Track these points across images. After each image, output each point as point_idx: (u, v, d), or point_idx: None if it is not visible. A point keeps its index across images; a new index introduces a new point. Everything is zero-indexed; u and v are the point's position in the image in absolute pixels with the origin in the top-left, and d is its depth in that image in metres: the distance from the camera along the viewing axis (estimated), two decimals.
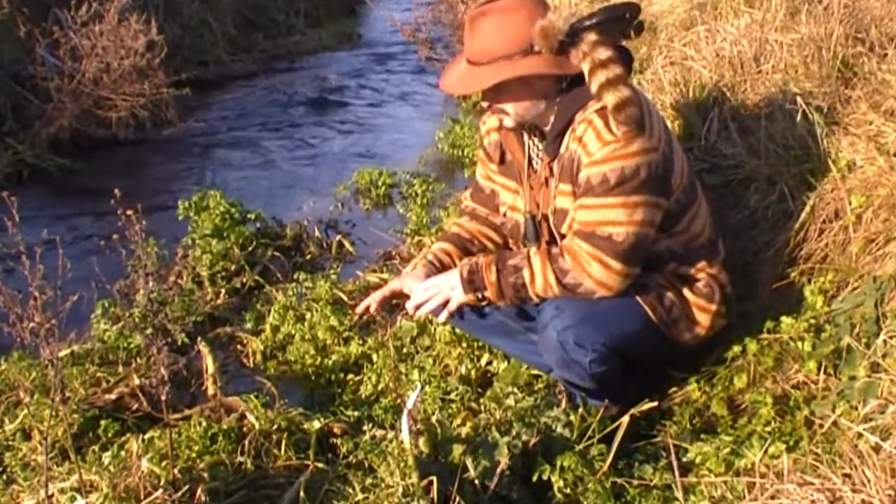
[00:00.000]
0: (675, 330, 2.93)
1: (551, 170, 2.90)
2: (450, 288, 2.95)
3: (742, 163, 3.69)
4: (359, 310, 3.24)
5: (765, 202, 3.54)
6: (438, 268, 3.13)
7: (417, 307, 3.02)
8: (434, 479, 2.55)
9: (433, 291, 2.98)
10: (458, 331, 3.55)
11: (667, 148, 2.80)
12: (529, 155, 3.00)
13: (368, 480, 2.70)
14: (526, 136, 2.98)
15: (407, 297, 3.07)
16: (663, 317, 2.89)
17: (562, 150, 2.84)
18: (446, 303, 2.98)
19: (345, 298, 4.32)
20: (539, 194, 2.96)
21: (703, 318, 2.94)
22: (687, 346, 3.00)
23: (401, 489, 2.56)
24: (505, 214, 3.15)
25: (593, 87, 2.67)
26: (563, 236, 2.89)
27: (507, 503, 2.67)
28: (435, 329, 3.62)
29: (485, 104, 2.90)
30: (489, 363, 3.52)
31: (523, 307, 3.08)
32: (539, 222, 2.98)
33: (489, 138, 3.15)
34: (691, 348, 3.03)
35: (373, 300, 3.17)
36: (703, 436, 2.84)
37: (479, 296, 2.91)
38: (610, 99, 2.65)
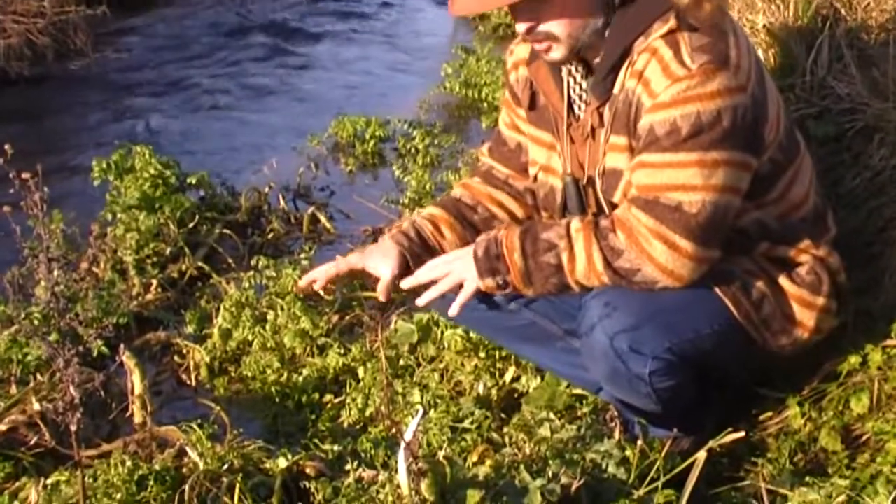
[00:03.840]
0: (767, 332, 2.93)
1: (600, 117, 2.89)
2: (461, 270, 2.97)
3: (862, 106, 3.69)
4: (301, 283, 3.31)
5: (893, 160, 3.54)
6: (414, 241, 3.18)
7: (417, 288, 3.06)
8: None
9: (441, 272, 3.00)
10: (473, 335, 3.55)
11: (758, 89, 2.78)
12: (569, 97, 2.99)
13: None
14: (565, 72, 2.97)
15: (370, 277, 3.13)
16: (751, 314, 2.89)
17: (615, 90, 2.83)
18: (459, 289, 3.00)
19: (321, 293, 4.26)
20: (583, 150, 2.97)
21: (807, 317, 2.94)
22: (784, 355, 3.01)
23: None
24: (536, 178, 3.17)
25: None
26: (614, 206, 2.89)
27: None
28: (442, 333, 3.67)
29: (520, 27, 2.84)
30: (516, 379, 3.52)
31: (561, 301, 3.09)
32: (583, 188, 2.99)
33: (516, 73, 3.15)
34: (791, 358, 3.04)
35: (319, 273, 3.24)
36: (808, 479, 2.82)
37: (500, 281, 2.92)
38: None
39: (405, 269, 3.13)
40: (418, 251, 3.16)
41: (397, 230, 3.23)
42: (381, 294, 3.14)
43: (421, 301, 3.09)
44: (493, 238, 2.94)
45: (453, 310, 3.01)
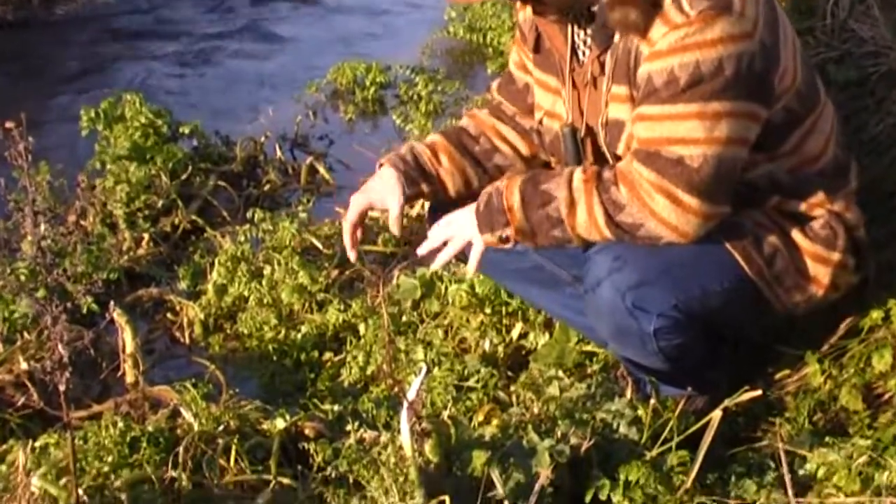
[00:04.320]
0: (779, 289, 2.91)
1: (601, 66, 2.87)
2: (468, 227, 2.95)
3: (885, 49, 3.67)
4: (352, 259, 3.25)
5: None
6: (410, 165, 3.16)
7: (431, 254, 3.05)
8: (446, 499, 2.55)
9: (451, 231, 2.99)
10: (479, 289, 3.58)
11: (767, 34, 2.73)
12: (573, 42, 2.97)
13: (354, 502, 2.70)
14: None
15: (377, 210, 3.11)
16: (762, 270, 2.87)
17: (616, 38, 2.81)
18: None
19: (319, 246, 4.34)
20: (585, 98, 2.96)
21: (821, 273, 2.92)
22: (798, 313, 3.00)
23: None
24: (541, 122, 3.14)
25: None
26: (618, 159, 2.89)
27: None
28: (446, 288, 3.68)
29: None
30: (523, 336, 3.54)
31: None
32: (581, 139, 2.99)
33: (525, 13, 3.10)
34: (806, 315, 3.04)
35: (349, 240, 3.17)
36: (828, 439, 2.83)
37: (502, 236, 2.90)
38: None
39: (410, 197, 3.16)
40: (414, 176, 3.15)
41: (395, 155, 3.20)
42: (393, 228, 3.12)
43: (435, 265, 3.09)
44: (494, 190, 2.92)
45: (471, 267, 3.00)
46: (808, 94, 2.90)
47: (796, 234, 2.90)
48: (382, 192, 3.12)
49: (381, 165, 3.19)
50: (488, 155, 3.22)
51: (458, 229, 2.97)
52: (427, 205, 3.40)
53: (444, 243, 3.00)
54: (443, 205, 3.15)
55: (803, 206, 2.92)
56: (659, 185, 2.70)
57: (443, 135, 3.26)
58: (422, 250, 3.06)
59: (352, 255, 3.21)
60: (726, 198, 2.76)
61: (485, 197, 2.92)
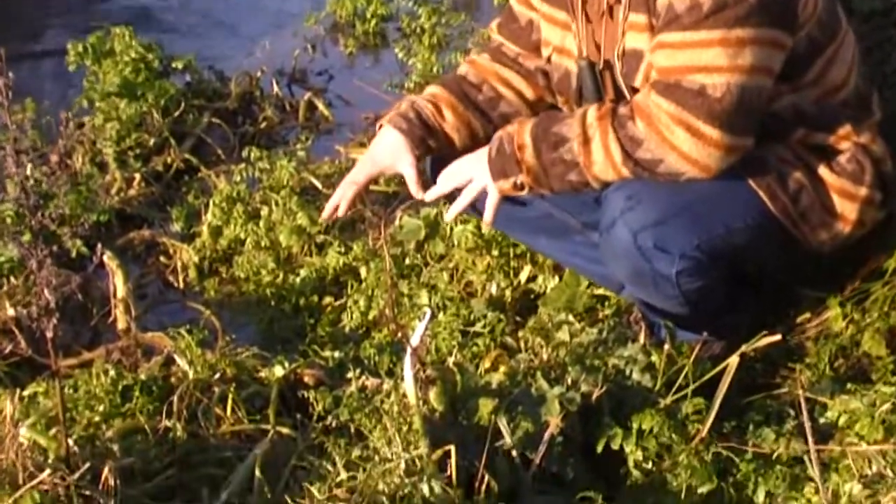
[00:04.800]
0: (805, 226, 2.91)
1: None
2: (481, 174, 2.94)
3: None
4: (324, 216, 3.27)
5: None
6: (414, 123, 3.14)
7: (441, 197, 3.06)
8: (452, 449, 2.55)
9: (462, 178, 2.98)
10: (485, 230, 3.55)
11: None
12: None
13: (356, 452, 2.69)
14: None
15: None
16: (787, 207, 2.87)
17: None
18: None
19: (318, 186, 4.33)
20: (600, 30, 2.93)
21: (848, 209, 2.92)
22: (824, 251, 2.99)
23: (403, 464, 2.54)
24: (549, 60, 3.13)
25: None
26: (636, 91, 2.86)
27: (559, 484, 2.68)
28: (451, 229, 3.67)
29: None
30: (532, 279, 3.53)
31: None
32: (600, 72, 2.96)
33: None
34: (830, 254, 3.02)
35: (342, 199, 3.19)
36: (849, 386, 2.85)
37: (516, 182, 2.90)
38: None
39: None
40: (420, 134, 3.12)
41: (395, 113, 3.17)
42: (417, 193, 3.07)
43: (448, 216, 3.10)
44: (505, 135, 2.90)
45: (486, 219, 2.99)
46: (829, 22, 2.88)
47: (822, 170, 2.90)
48: (393, 158, 3.11)
49: (380, 126, 3.18)
50: (492, 104, 3.19)
51: (472, 176, 2.95)
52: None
53: (457, 190, 2.99)
54: (442, 156, 3.14)
55: (830, 139, 2.92)
56: (678, 117, 2.68)
57: (443, 86, 3.23)
58: (430, 196, 3.05)
59: (326, 211, 3.22)
60: (749, 130, 2.75)
61: (496, 143, 2.90)
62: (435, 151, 3.17)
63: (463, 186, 2.98)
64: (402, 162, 3.09)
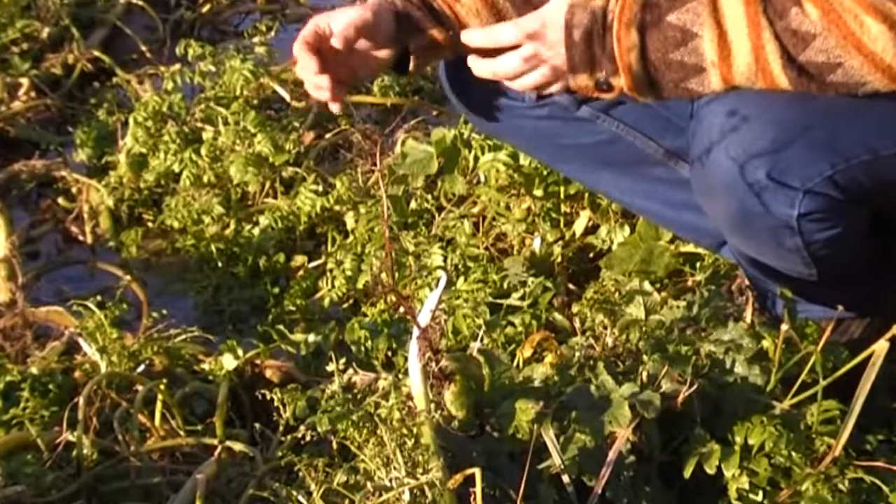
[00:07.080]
0: None
1: None
2: (550, 51, 2.63)
3: None
4: (336, 109, 2.93)
5: None
6: (413, 3, 2.93)
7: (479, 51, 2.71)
8: (476, 472, 2.38)
9: (534, 50, 2.65)
10: (524, 159, 3.39)
11: None
12: None
13: (340, 478, 2.54)
14: None
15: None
16: None
17: None
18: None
19: (286, 96, 4.31)
20: None
21: None
22: None
23: (407, 495, 2.41)
24: None
25: None
26: None
27: None
28: (476, 159, 3.51)
29: None
30: (591, 231, 3.46)
31: (663, 105, 2.91)
32: None
33: None
34: None
35: (327, 92, 2.84)
36: None
37: (601, 81, 2.62)
38: None
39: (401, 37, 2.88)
40: (419, 17, 2.95)
41: None
42: (482, 70, 2.75)
43: (519, 84, 2.74)
44: (596, 11, 2.61)
45: (528, 97, 2.87)
46: None
47: None
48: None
49: None
50: None
51: (537, 51, 2.66)
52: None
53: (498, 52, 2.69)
54: (462, 61, 2.85)
55: None
56: (873, 2, 2.42)
57: None
58: (474, 39, 2.74)
59: (335, 108, 2.88)
60: None
61: (582, 24, 2.62)
62: (442, 44, 2.96)
63: (536, 61, 2.68)
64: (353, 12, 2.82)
